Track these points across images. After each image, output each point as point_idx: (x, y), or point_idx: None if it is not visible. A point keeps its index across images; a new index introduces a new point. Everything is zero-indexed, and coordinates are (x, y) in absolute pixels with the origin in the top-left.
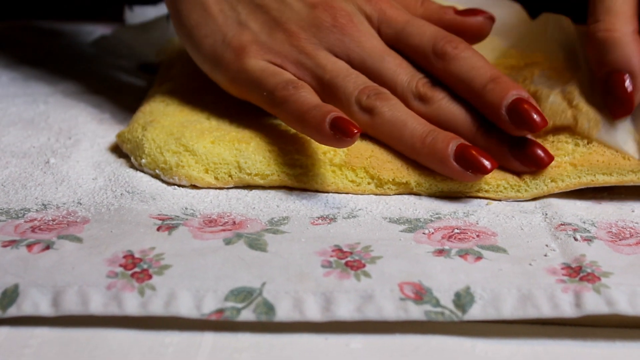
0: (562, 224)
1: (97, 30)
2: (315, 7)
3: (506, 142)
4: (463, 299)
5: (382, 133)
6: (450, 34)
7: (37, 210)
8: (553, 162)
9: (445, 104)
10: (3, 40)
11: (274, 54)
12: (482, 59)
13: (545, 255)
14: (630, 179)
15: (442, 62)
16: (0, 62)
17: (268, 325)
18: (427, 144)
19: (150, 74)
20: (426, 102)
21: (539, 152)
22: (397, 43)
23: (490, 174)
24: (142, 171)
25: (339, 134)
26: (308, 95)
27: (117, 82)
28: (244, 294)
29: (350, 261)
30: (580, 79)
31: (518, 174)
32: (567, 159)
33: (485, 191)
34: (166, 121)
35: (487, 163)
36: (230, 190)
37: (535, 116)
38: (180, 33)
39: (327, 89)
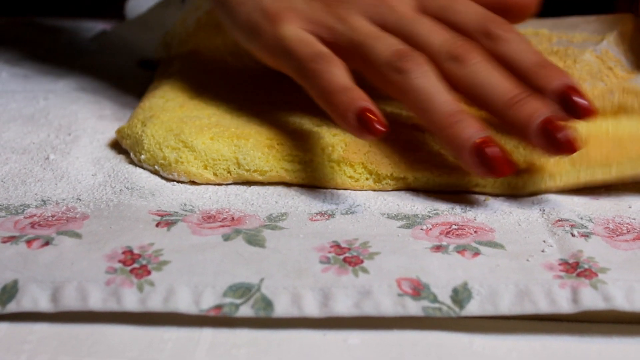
0: (559, 220)
1: (98, 27)
2: None
3: (533, 122)
4: (461, 295)
5: (409, 99)
6: (497, 16)
7: (36, 206)
8: (552, 160)
9: (481, 68)
10: (4, 37)
11: (310, 22)
12: (529, 44)
13: (543, 251)
14: (630, 173)
15: (490, 42)
16: (0, 58)
17: (266, 321)
18: (450, 124)
19: (150, 70)
20: (460, 63)
21: (569, 136)
22: (440, 17)
23: None
24: (142, 167)
25: (363, 127)
26: (339, 73)
27: (117, 78)
28: (242, 290)
29: (348, 257)
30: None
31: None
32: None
33: (483, 186)
34: (165, 117)
35: (503, 167)
36: (229, 187)
37: (584, 102)
38: (214, 1)
39: (360, 51)
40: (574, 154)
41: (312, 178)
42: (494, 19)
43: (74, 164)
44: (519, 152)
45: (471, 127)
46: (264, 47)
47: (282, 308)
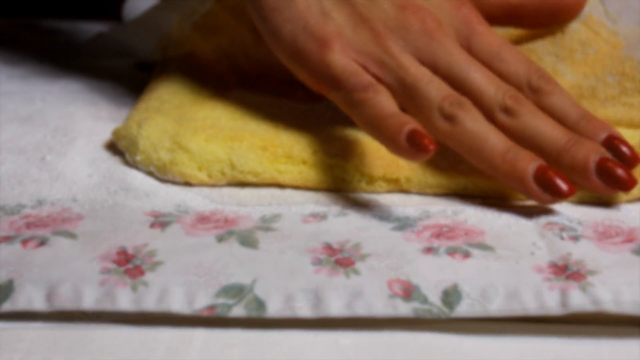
0: (549, 223)
1: (95, 29)
2: (404, 8)
3: (590, 162)
4: (451, 297)
5: (461, 144)
6: (542, 69)
7: (32, 206)
8: None
9: (532, 118)
10: (1, 38)
11: (357, 52)
12: (572, 97)
13: (532, 254)
14: (616, 199)
15: (537, 94)
16: None
17: (259, 322)
18: (508, 160)
19: (146, 72)
20: (512, 115)
21: (623, 174)
22: (488, 63)
23: (476, 177)
24: (137, 168)
25: (414, 148)
26: (386, 102)
27: (114, 80)
28: (235, 290)
29: (340, 258)
30: None
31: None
32: None
33: (472, 190)
34: (161, 118)
35: (565, 187)
36: (223, 188)
37: (629, 152)
38: (256, 16)
39: (408, 93)
40: None
41: (305, 180)
42: (540, 71)
43: (69, 164)
44: None
45: (527, 157)
46: (309, 72)
47: (275, 309)
